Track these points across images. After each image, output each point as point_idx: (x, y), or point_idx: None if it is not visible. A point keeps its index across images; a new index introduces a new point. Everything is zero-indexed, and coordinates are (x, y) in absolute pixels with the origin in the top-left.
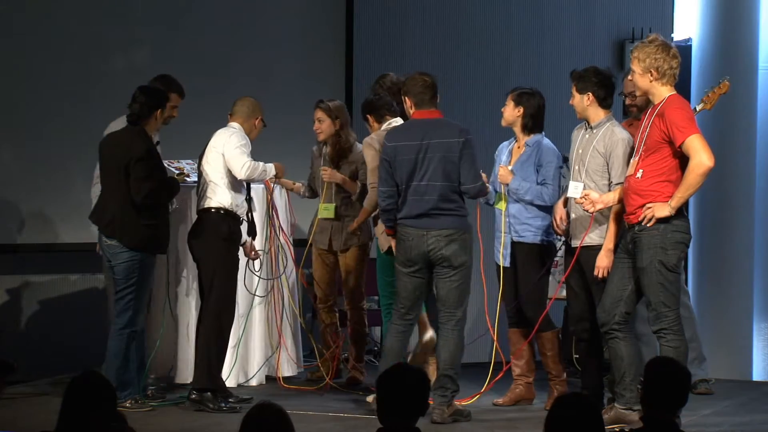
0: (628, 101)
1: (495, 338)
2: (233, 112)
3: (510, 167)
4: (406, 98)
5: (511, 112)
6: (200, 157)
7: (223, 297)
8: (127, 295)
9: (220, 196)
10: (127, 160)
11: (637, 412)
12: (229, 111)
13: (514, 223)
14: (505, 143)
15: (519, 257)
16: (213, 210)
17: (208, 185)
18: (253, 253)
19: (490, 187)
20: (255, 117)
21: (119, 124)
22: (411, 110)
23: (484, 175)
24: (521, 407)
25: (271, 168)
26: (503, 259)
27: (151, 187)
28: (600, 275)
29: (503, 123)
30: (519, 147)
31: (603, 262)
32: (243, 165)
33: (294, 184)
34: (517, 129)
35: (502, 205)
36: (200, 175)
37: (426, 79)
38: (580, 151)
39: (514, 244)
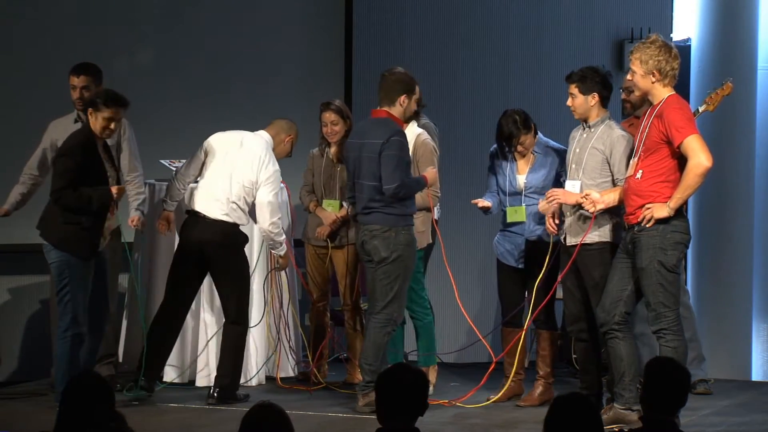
0: (623, 96)
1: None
2: (272, 122)
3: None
4: None
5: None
6: (214, 153)
7: (246, 302)
8: (63, 297)
9: (239, 215)
10: (55, 154)
11: (636, 412)
12: (228, 112)
13: (532, 224)
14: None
15: (537, 256)
16: (231, 224)
17: (229, 202)
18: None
19: (491, 202)
20: (288, 135)
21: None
22: None
23: (429, 176)
24: (520, 407)
25: (284, 247)
26: (516, 260)
27: (61, 185)
28: (591, 209)
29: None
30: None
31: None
32: (274, 224)
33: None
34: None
35: (520, 218)
36: (214, 176)
37: (383, 76)
38: (578, 150)
39: (531, 243)
